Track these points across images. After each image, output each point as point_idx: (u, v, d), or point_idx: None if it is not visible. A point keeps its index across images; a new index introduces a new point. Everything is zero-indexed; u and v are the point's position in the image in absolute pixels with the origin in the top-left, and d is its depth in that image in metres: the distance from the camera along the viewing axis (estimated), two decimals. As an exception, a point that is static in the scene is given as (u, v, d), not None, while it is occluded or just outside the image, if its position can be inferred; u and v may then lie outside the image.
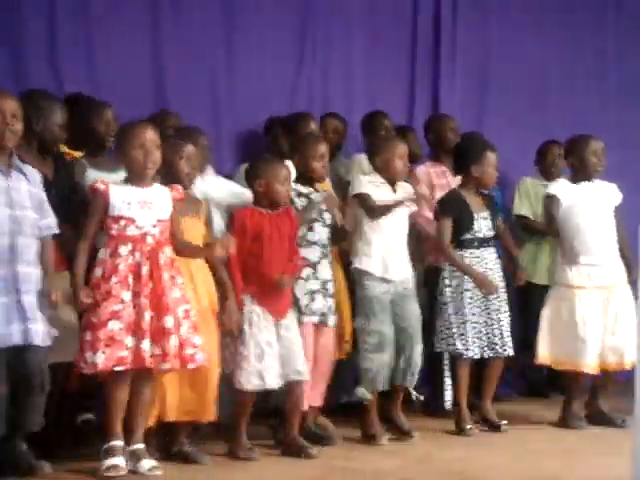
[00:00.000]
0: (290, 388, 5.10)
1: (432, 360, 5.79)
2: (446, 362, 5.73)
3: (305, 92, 6.85)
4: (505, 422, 5.78)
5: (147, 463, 4.58)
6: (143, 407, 4.64)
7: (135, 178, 4.70)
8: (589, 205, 5.94)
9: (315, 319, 5.30)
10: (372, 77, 7.14)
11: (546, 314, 5.95)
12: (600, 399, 6.01)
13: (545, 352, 5.93)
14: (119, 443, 4.55)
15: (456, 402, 5.73)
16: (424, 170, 6.48)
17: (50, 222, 4.57)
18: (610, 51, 7.97)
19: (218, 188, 5.36)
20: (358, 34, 7.14)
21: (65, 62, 6.07)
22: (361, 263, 5.54)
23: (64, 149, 5.50)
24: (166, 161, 4.85)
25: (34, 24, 6.02)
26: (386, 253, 5.54)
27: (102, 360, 4.46)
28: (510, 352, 5.79)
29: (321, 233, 5.35)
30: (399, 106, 7.14)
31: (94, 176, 5.08)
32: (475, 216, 5.76)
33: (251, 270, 5.05)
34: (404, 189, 5.68)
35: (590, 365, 5.82)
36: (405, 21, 7.35)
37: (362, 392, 5.47)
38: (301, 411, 5.21)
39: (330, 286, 5.35)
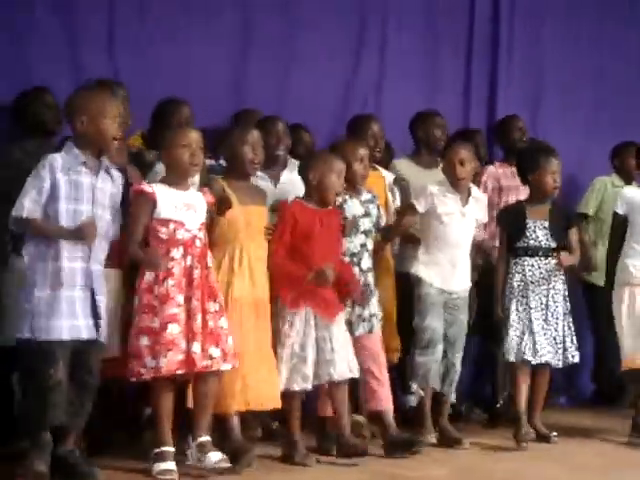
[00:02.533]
0: (332, 390, 5.04)
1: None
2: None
3: (360, 93, 6.78)
4: (555, 434, 5.70)
5: (214, 456, 4.57)
6: (207, 401, 4.63)
7: (176, 179, 4.68)
8: None
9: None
10: (428, 78, 7.08)
11: (618, 315, 5.85)
12: None
13: (628, 355, 5.83)
14: (169, 449, 4.56)
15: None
16: (492, 171, 6.46)
17: (117, 229, 4.58)
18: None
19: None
20: (414, 34, 7.06)
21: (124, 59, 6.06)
22: (419, 271, 5.52)
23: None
24: (230, 147, 4.88)
25: (94, 21, 6.02)
26: (448, 267, 5.52)
27: (165, 364, 4.46)
28: (571, 361, 5.71)
29: (353, 241, 5.27)
30: (455, 107, 7.06)
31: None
32: (530, 224, 5.68)
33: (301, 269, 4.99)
34: (477, 201, 5.63)
35: None
36: (462, 21, 7.28)
37: (415, 388, 5.45)
38: (348, 412, 5.15)
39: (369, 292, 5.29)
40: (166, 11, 6.20)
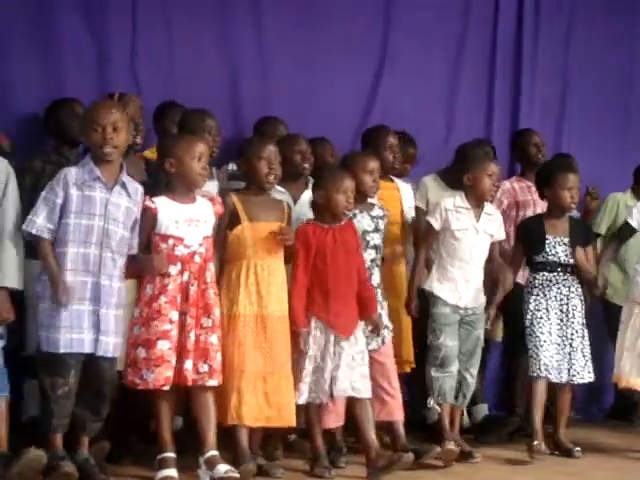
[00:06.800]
0: (354, 404, 5.02)
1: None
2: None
3: (380, 108, 6.77)
4: (578, 448, 5.66)
5: (222, 467, 4.59)
6: (209, 417, 4.67)
7: (184, 190, 4.68)
8: None
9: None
10: (450, 93, 7.08)
11: (622, 333, 5.85)
12: None
13: (620, 373, 5.81)
14: (171, 455, 4.62)
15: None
16: (508, 186, 6.46)
17: (134, 243, 4.62)
18: None
19: None
20: (436, 48, 7.06)
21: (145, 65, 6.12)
22: (432, 287, 5.49)
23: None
24: (246, 161, 4.89)
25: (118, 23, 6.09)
26: (461, 283, 5.48)
27: (152, 379, 4.51)
28: (580, 380, 5.66)
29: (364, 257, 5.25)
30: (477, 122, 7.07)
31: None
32: (549, 240, 5.68)
33: (316, 286, 4.99)
34: (490, 217, 5.59)
35: None
36: (485, 36, 7.26)
37: (432, 405, 5.43)
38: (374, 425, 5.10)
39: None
40: (186, 21, 6.26)
